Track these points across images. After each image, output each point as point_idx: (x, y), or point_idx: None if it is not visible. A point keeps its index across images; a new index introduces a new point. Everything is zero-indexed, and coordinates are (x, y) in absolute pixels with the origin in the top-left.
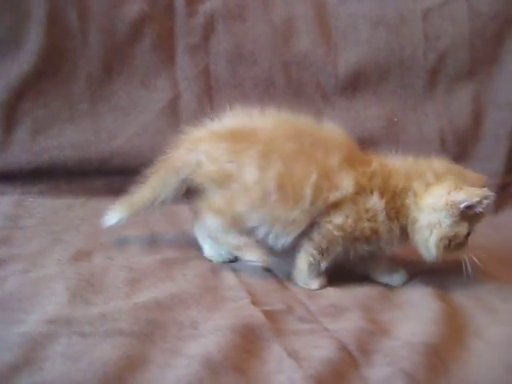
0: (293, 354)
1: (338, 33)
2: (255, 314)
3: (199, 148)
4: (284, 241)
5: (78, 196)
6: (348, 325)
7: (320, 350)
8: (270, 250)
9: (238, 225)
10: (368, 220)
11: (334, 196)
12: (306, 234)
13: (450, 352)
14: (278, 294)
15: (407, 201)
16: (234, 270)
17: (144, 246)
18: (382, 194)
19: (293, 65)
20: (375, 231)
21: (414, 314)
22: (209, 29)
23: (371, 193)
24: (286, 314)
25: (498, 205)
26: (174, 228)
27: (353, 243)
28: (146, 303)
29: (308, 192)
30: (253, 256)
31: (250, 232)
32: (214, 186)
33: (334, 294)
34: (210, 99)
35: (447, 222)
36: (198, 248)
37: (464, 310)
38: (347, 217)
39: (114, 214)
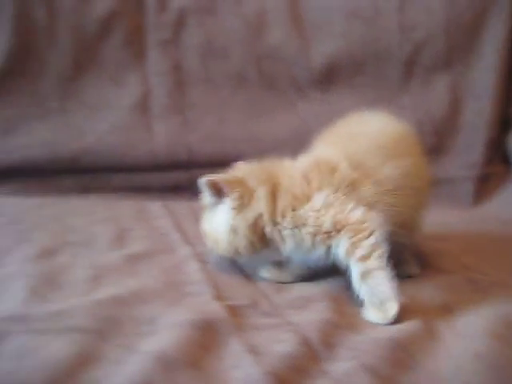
0: (252, 350)
1: (311, 25)
2: (217, 309)
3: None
4: None
5: (48, 195)
6: (312, 317)
7: (281, 345)
8: None
9: None
10: None
11: None
12: None
13: (419, 346)
14: (244, 289)
15: None
16: (202, 266)
17: (111, 242)
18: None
19: (265, 58)
20: None
21: None
22: (180, 24)
23: None
24: (250, 308)
25: (477, 196)
26: (143, 224)
27: None
28: (104, 300)
29: None
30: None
31: None
32: None
33: (302, 287)
34: (181, 94)
35: None
36: (165, 243)
37: (437, 302)
38: None
39: None
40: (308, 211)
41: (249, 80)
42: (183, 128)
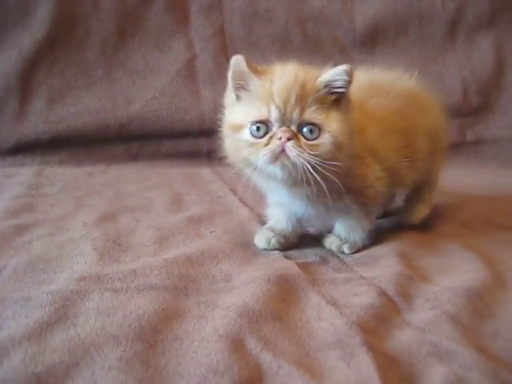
0: (332, 302)
1: None
2: (289, 266)
3: None
4: None
5: (97, 163)
6: (385, 271)
7: (360, 297)
8: None
9: None
10: None
11: None
12: None
13: (493, 296)
14: (312, 248)
15: None
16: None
17: (169, 206)
18: None
19: (309, 21)
20: None
21: (451, 262)
22: None
23: None
24: (320, 265)
25: None
26: (197, 188)
27: None
28: (176, 259)
29: None
30: None
31: None
32: None
33: (368, 246)
34: (226, 59)
35: None
36: (223, 206)
37: (497, 257)
38: None
39: None
40: None
41: (293, 42)
42: None
